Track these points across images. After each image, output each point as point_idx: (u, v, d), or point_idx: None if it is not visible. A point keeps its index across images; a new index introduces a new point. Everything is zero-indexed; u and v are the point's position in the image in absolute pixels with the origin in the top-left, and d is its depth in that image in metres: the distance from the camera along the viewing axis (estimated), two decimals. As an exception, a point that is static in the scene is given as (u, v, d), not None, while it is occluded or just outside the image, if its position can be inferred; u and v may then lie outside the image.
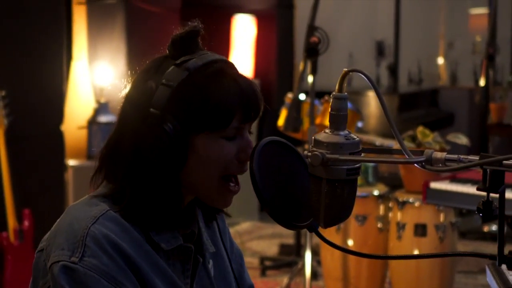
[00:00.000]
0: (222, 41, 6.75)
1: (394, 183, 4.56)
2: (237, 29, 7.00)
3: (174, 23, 5.53)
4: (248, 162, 1.29)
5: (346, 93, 1.22)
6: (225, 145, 1.35)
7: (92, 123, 5.18)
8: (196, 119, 1.33)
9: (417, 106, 7.73)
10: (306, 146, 3.92)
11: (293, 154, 1.37)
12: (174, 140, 1.31)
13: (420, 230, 3.85)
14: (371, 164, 4.20)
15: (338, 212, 1.22)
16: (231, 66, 1.39)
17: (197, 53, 1.36)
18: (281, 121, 4.20)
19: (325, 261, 4.19)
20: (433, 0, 8.77)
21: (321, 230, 1.30)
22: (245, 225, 6.28)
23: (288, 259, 5.13)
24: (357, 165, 1.20)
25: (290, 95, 4.29)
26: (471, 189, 3.33)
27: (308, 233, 3.46)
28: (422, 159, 1.16)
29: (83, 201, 1.38)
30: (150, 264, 1.33)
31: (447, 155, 1.15)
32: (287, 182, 1.32)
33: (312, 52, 3.62)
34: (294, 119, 3.87)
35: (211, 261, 1.48)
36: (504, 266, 1.17)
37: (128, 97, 1.38)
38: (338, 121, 1.21)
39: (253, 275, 4.74)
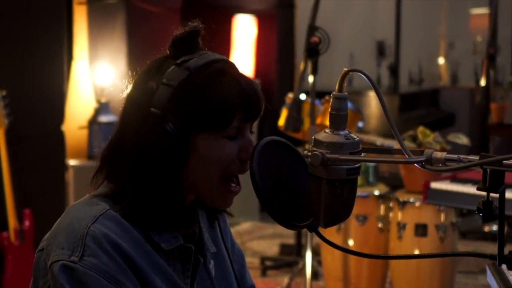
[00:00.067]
0: (223, 41, 6.76)
1: (395, 183, 4.56)
2: (238, 29, 7.00)
3: (174, 23, 5.53)
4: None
5: (346, 93, 1.22)
6: (226, 145, 1.35)
7: (92, 123, 5.18)
8: (197, 119, 1.32)
9: (418, 106, 7.74)
10: (307, 146, 3.91)
11: (293, 153, 1.37)
12: (175, 139, 1.31)
13: (421, 230, 3.85)
14: (371, 164, 4.20)
15: (338, 212, 1.22)
16: (232, 65, 1.39)
17: (197, 53, 1.36)
18: (281, 121, 4.20)
19: (325, 261, 4.19)
20: (434, 0, 8.77)
21: (321, 230, 1.30)
22: (245, 225, 6.28)
23: (288, 259, 5.13)
24: (357, 164, 1.20)
25: (290, 95, 4.29)
26: (471, 189, 3.33)
27: (308, 233, 3.46)
28: (422, 159, 1.16)
29: (84, 200, 1.38)
30: (150, 264, 1.33)
31: (447, 155, 1.15)
32: (287, 182, 1.32)
33: (313, 52, 3.62)
34: (295, 119, 3.86)
35: (212, 261, 1.48)
36: (504, 266, 1.17)
37: (129, 97, 1.38)
38: (338, 121, 1.21)
39: (253, 275, 4.73)
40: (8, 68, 4.25)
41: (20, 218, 4.06)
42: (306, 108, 3.94)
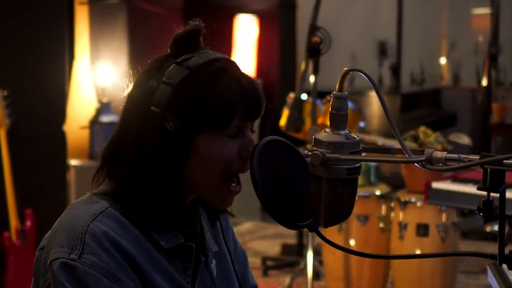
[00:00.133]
0: (224, 41, 6.76)
1: (396, 183, 4.55)
2: (239, 29, 7.00)
3: (176, 23, 5.50)
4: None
5: (346, 92, 1.22)
6: (227, 144, 1.34)
7: (94, 123, 5.18)
8: (197, 118, 1.32)
9: (419, 106, 7.73)
10: (308, 146, 3.91)
11: (293, 153, 1.36)
12: (176, 138, 1.31)
13: (422, 230, 3.85)
14: (373, 164, 4.20)
15: (339, 212, 1.22)
16: (233, 64, 1.38)
17: (198, 52, 1.36)
18: (283, 121, 4.20)
19: (327, 261, 4.19)
20: (436, 0, 8.77)
21: (323, 230, 1.30)
22: (247, 225, 6.28)
23: (290, 259, 5.13)
24: (358, 164, 1.20)
25: (292, 95, 4.29)
26: (473, 189, 3.33)
27: (310, 233, 3.46)
28: (423, 158, 1.16)
29: (84, 199, 1.38)
30: (151, 262, 1.32)
31: (448, 155, 1.15)
32: (288, 181, 1.32)
33: (314, 52, 3.62)
34: (296, 119, 3.86)
35: (214, 261, 1.48)
36: (504, 266, 1.17)
37: (130, 96, 1.38)
38: (338, 121, 1.21)
39: (255, 275, 4.72)
40: (9, 68, 4.26)
41: (21, 218, 4.06)
42: (308, 108, 3.94)
